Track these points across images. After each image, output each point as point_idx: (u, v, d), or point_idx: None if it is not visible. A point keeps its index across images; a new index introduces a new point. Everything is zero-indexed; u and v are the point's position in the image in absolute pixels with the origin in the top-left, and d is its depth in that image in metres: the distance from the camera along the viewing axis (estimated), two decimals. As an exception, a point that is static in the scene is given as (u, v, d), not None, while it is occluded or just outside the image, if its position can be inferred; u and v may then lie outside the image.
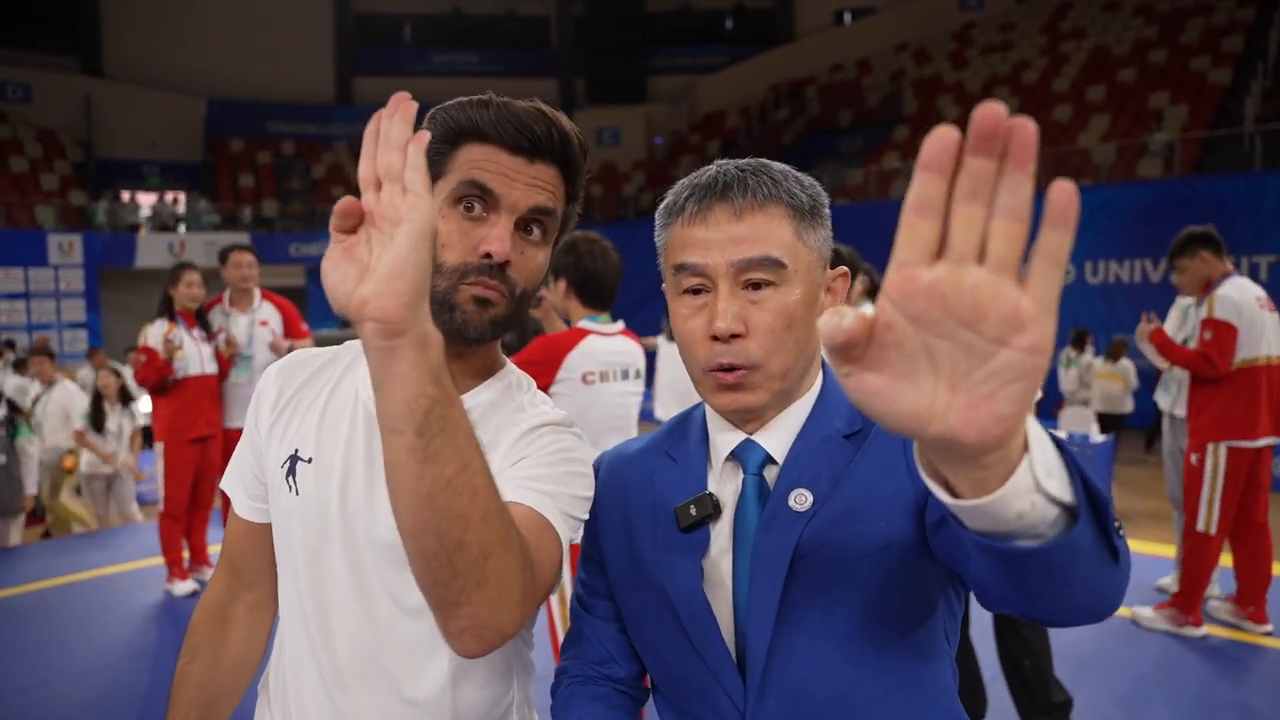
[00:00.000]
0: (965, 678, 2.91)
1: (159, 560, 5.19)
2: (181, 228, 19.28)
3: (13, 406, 6.14)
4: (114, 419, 6.92)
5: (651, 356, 3.63)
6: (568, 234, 1.12)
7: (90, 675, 3.86)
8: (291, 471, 1.04)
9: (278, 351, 4.85)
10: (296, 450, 1.05)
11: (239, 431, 1.57)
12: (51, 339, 15.08)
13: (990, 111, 0.46)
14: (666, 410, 3.72)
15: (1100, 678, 3.60)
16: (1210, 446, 4.02)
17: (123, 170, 21.69)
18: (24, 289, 16.58)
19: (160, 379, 4.65)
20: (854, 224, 6.73)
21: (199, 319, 4.86)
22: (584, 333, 2.82)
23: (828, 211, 1.01)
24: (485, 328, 1.00)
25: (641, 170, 23.66)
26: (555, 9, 26.89)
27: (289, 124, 24.23)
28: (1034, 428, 0.57)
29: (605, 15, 26.29)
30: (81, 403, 6.94)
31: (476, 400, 1.06)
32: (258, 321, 4.97)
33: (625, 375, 2.90)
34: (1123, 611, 4.26)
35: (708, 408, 1.05)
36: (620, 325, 2.96)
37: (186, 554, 5.10)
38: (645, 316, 7.49)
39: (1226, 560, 4.40)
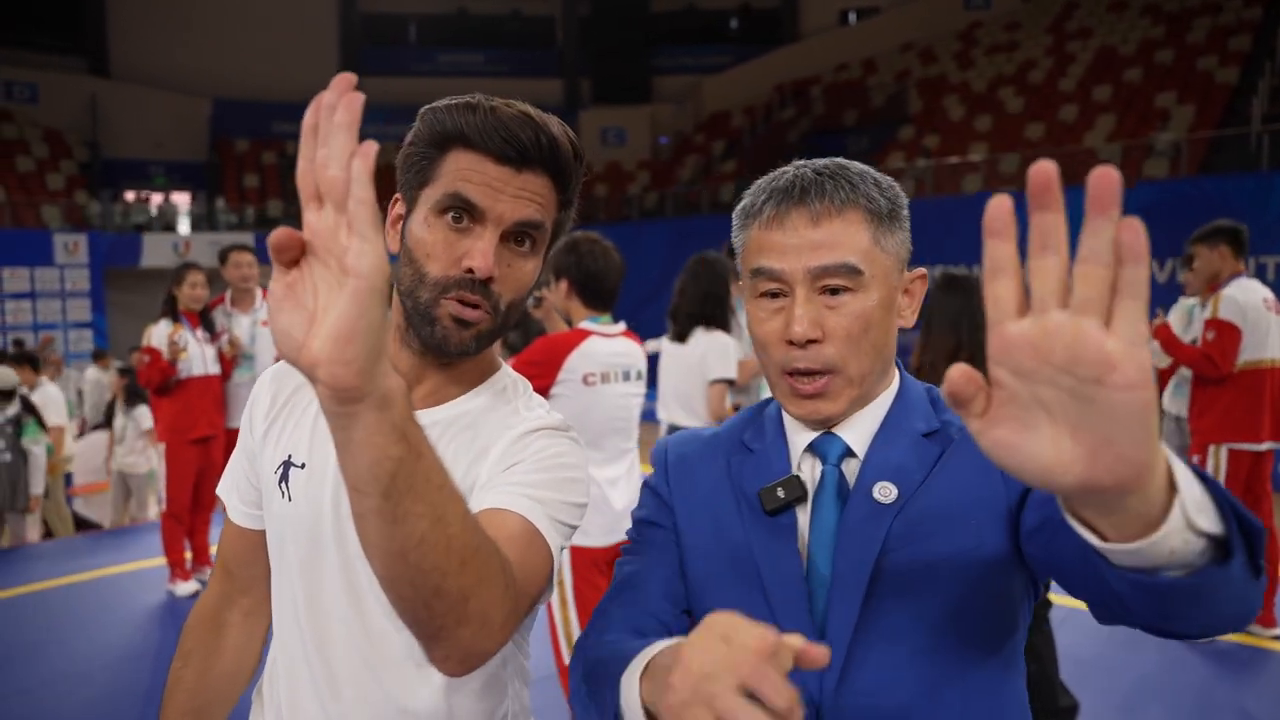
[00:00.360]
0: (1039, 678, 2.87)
1: (161, 561, 5.19)
2: (186, 227, 19.32)
3: (26, 405, 6.14)
4: (119, 420, 6.94)
5: (654, 359, 3.61)
6: (563, 236, 1.10)
7: (92, 676, 3.87)
8: (285, 477, 1.04)
9: (281, 352, 4.85)
10: (290, 456, 1.04)
11: (241, 432, 1.57)
12: (57, 339, 15.14)
13: (1042, 170, 0.50)
14: (669, 413, 3.70)
15: (1103, 680, 3.58)
16: (1211, 449, 4.01)
17: (128, 170, 21.74)
18: (30, 289, 16.63)
19: (164, 380, 4.65)
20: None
21: (203, 319, 4.86)
22: (585, 334, 2.81)
23: (906, 213, 1.00)
24: (467, 344, 0.99)
25: (646, 170, 23.63)
26: (560, 9, 26.88)
27: (294, 124, 24.04)
28: (1177, 465, 0.59)
29: (610, 15, 26.27)
30: (58, 403, 6.94)
31: (468, 406, 1.05)
32: (260, 321, 4.97)
33: (626, 376, 2.89)
34: (1128, 614, 4.24)
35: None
36: (622, 326, 2.95)
37: (189, 554, 5.10)
38: (648, 317, 7.46)
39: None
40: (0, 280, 16.29)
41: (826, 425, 0.99)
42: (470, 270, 0.95)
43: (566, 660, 2.83)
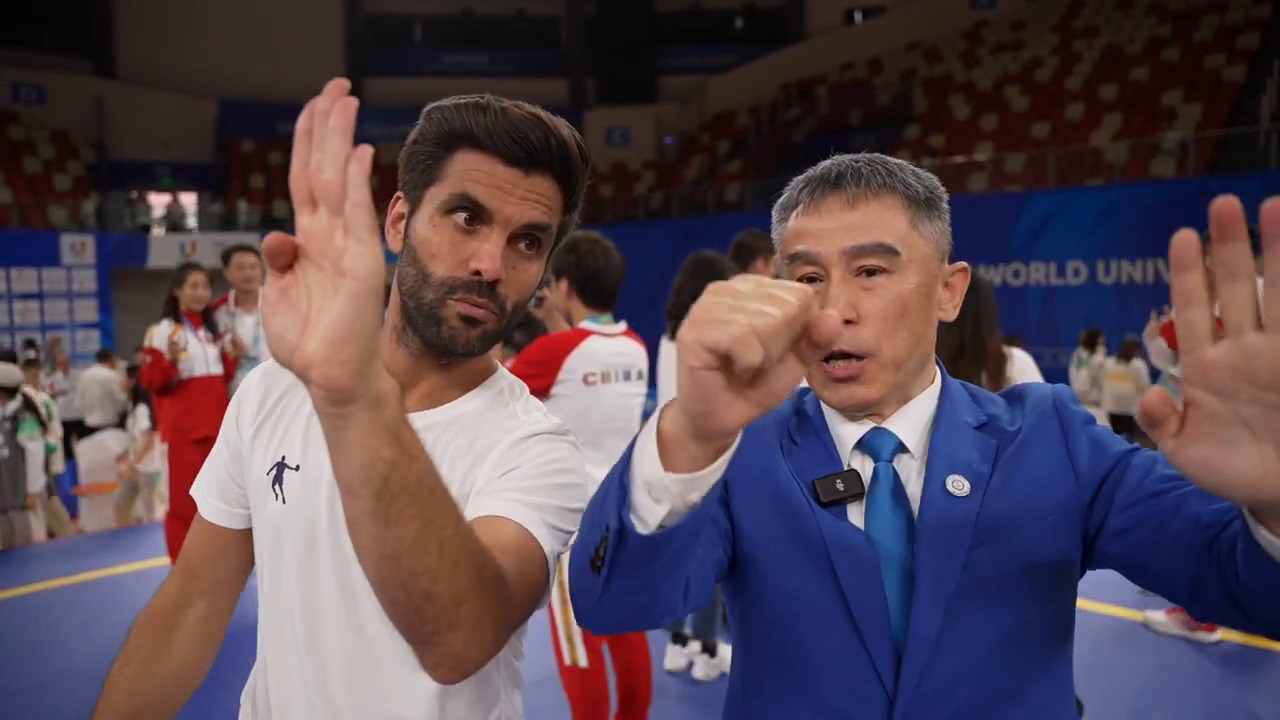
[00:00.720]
0: None
1: (165, 561, 5.20)
2: (193, 225, 19.40)
3: (27, 402, 6.15)
4: (130, 420, 6.98)
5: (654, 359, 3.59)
6: (567, 236, 1.09)
7: (93, 676, 3.85)
8: (279, 479, 1.02)
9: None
10: (283, 458, 1.03)
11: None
12: (64, 339, 15.20)
13: (1226, 205, 0.55)
14: (671, 412, 3.68)
15: (1107, 682, 3.55)
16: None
17: (135, 171, 21.86)
18: (37, 289, 16.73)
19: (165, 380, 4.65)
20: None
21: (205, 319, 4.86)
22: (585, 333, 2.81)
23: (946, 205, 0.99)
24: (473, 343, 0.98)
25: (651, 170, 23.66)
26: (565, 9, 26.92)
27: (300, 124, 24.35)
28: None
29: (615, 15, 26.31)
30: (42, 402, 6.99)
31: (465, 408, 1.03)
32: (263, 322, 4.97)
33: (627, 376, 2.88)
34: (1134, 615, 4.21)
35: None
36: (622, 326, 2.94)
37: (192, 554, 5.10)
38: (651, 318, 7.44)
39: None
40: (8, 281, 16.39)
41: (864, 411, 0.97)
42: (478, 272, 0.94)
43: (566, 660, 2.82)
